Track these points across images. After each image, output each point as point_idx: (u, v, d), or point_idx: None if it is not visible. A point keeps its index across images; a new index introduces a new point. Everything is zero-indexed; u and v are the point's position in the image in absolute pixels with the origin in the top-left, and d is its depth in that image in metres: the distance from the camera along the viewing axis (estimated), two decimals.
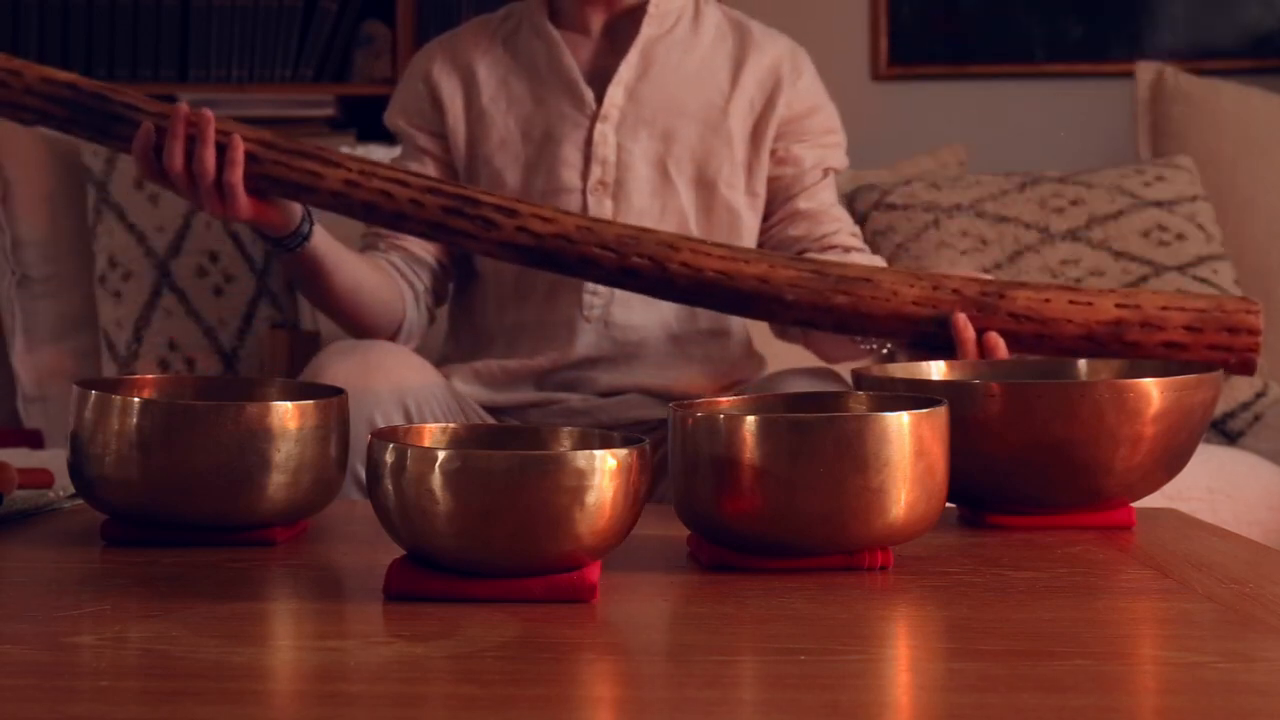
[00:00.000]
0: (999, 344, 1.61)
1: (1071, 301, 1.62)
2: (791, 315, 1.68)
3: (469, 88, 1.97)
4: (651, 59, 1.96)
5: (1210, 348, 1.60)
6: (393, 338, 1.92)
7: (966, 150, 2.97)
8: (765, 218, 1.99)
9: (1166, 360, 1.57)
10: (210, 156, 1.64)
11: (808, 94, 2.00)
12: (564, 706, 0.88)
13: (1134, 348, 1.61)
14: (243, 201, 1.66)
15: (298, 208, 1.74)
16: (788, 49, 2.01)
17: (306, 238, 1.76)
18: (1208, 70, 3.09)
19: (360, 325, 1.89)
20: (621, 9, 1.98)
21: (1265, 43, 3.29)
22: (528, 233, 1.67)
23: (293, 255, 1.78)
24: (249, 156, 1.66)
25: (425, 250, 1.96)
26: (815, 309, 1.67)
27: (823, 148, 2.00)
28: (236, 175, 1.64)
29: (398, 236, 1.94)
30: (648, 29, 1.96)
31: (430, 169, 1.97)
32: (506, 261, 1.73)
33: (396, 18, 3.31)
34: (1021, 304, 1.62)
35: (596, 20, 1.98)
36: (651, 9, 1.96)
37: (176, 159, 1.64)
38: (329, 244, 1.80)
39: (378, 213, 1.69)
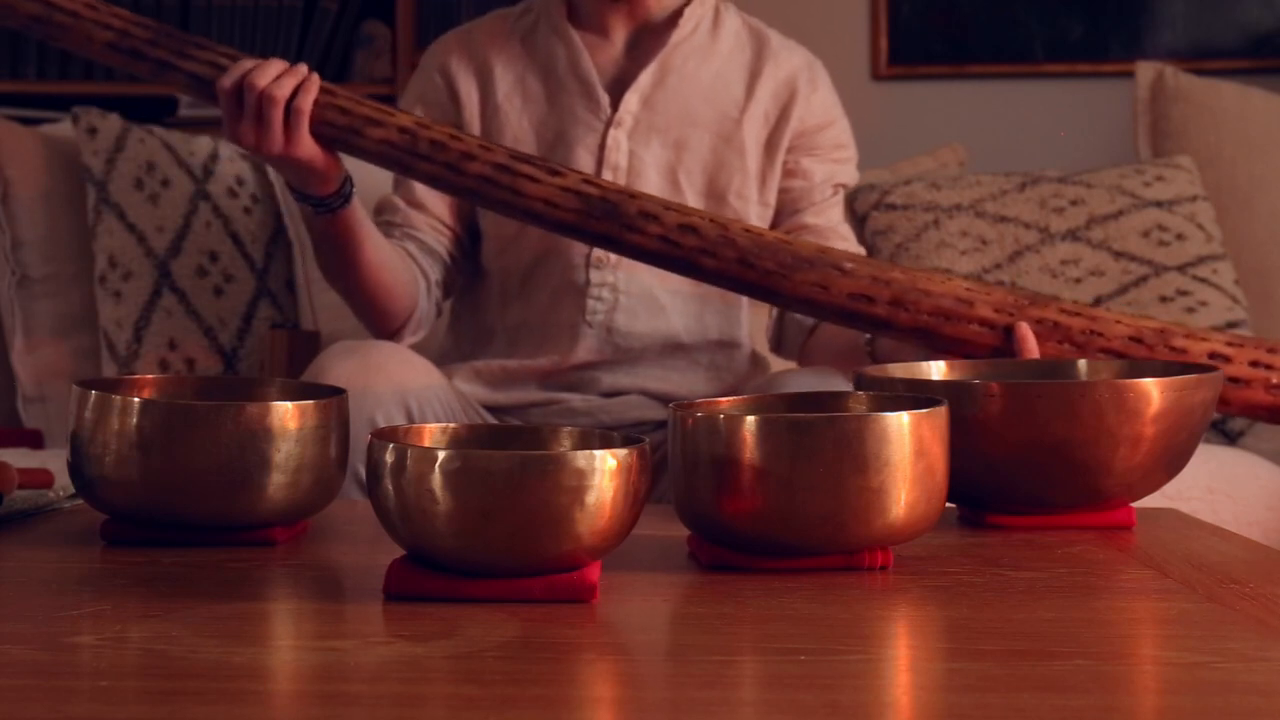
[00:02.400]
0: (1028, 336, 1.61)
1: (1119, 311, 1.65)
2: (848, 286, 1.65)
3: (485, 83, 1.97)
4: (669, 67, 1.95)
5: (1252, 364, 1.60)
6: (403, 326, 1.92)
7: (966, 150, 2.97)
8: (770, 228, 1.98)
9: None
10: (291, 81, 1.68)
11: (822, 108, 1.99)
12: (564, 706, 0.88)
13: (1181, 353, 1.61)
14: (305, 135, 1.68)
15: (343, 169, 1.75)
16: (805, 61, 2.01)
17: (348, 199, 1.76)
18: (1208, 70, 3.09)
19: (377, 307, 1.88)
20: (645, 19, 1.98)
21: (1265, 43, 3.29)
22: (592, 184, 1.69)
23: (332, 217, 1.77)
24: (324, 90, 1.70)
25: (438, 243, 1.96)
26: (875, 280, 1.65)
27: (834, 163, 2.00)
28: (308, 101, 1.67)
29: (412, 226, 1.94)
30: (673, 39, 1.95)
31: None
32: (556, 217, 1.69)
33: (396, 18, 3.31)
34: (1070, 304, 1.64)
35: (618, 26, 1.98)
36: (681, 22, 1.96)
37: (263, 77, 1.67)
38: (363, 214, 1.80)
39: (442, 151, 1.69)
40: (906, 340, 1.68)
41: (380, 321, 1.90)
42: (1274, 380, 1.60)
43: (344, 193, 1.76)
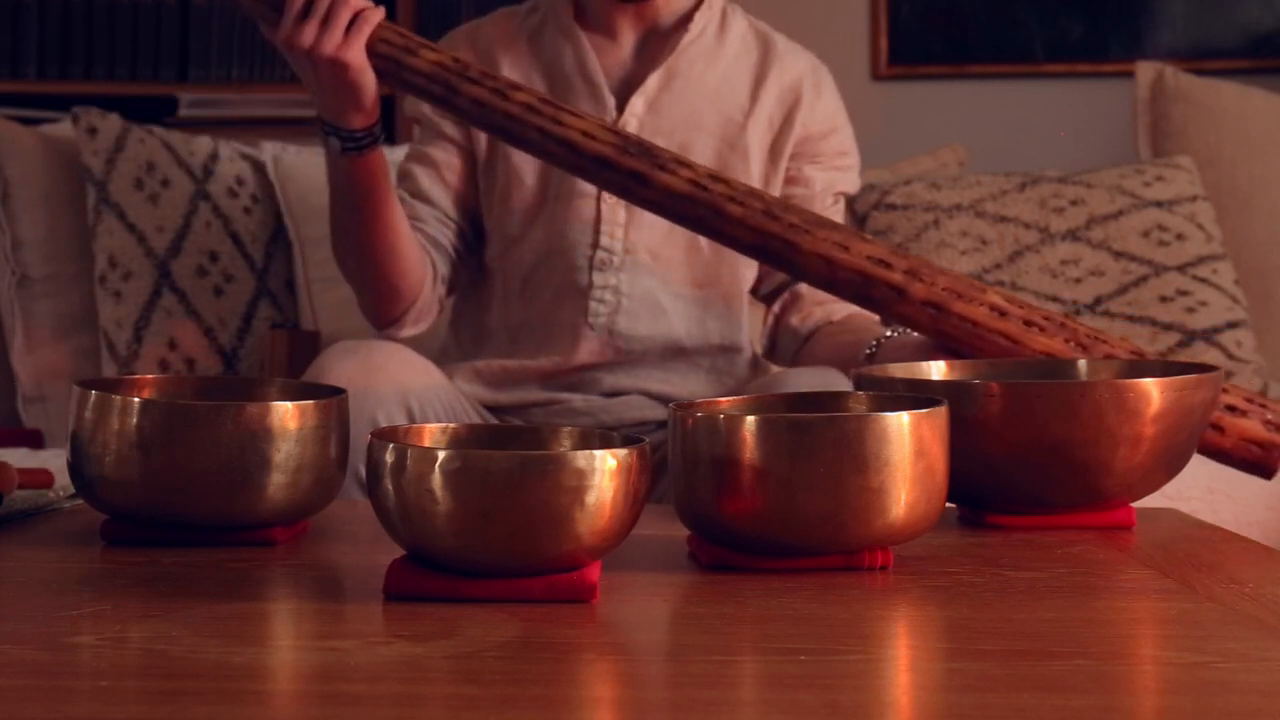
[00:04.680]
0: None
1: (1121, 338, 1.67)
2: (867, 250, 1.65)
3: None
4: (675, 71, 1.95)
5: (1248, 400, 1.60)
6: (405, 312, 1.90)
7: (966, 150, 2.98)
8: None
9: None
10: (363, 1, 1.72)
11: (826, 114, 1.99)
12: (564, 706, 0.88)
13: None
14: (361, 43, 1.70)
15: (379, 110, 1.76)
16: (810, 66, 2.00)
17: (378, 141, 1.77)
18: (1208, 70, 3.09)
19: (388, 281, 1.86)
20: (654, 22, 1.98)
21: (1265, 43, 3.29)
22: (631, 134, 1.71)
23: (359, 158, 1.76)
24: (388, 16, 1.74)
25: (443, 235, 1.95)
26: (894, 250, 1.68)
27: (835, 170, 2.00)
28: (376, 15, 1.72)
29: (417, 218, 1.94)
30: (682, 43, 1.95)
31: (454, 156, 1.97)
32: (591, 149, 1.69)
33: (396, 18, 3.31)
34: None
35: (627, 28, 1.98)
36: (690, 26, 1.96)
37: None
38: (388, 168, 1.80)
39: (491, 79, 1.72)
40: (916, 313, 1.67)
41: (388, 299, 1.89)
42: (1269, 416, 1.60)
43: (375, 133, 1.76)
